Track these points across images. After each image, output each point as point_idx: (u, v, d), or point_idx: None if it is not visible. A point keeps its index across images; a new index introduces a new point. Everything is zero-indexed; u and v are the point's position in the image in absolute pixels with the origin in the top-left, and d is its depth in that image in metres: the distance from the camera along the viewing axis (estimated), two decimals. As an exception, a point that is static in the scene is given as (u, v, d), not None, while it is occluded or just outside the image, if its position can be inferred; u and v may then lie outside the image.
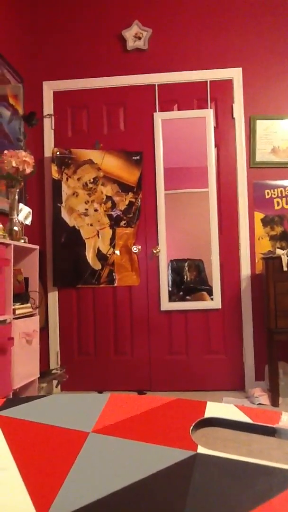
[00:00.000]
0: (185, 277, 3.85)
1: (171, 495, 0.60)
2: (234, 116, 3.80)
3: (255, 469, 0.65)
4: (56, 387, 3.71)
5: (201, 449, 0.69)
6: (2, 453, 0.70)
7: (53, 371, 3.68)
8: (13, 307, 2.74)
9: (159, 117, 3.83)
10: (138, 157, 3.81)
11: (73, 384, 3.81)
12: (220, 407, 0.83)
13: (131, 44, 3.86)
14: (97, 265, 3.79)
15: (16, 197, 2.98)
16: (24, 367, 2.91)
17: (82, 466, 0.65)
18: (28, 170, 2.99)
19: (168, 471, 0.64)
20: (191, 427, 0.76)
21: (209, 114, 3.78)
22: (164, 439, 0.72)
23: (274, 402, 3.30)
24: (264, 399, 3.36)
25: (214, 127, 3.81)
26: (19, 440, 0.74)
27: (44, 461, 0.66)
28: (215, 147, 3.81)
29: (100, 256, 3.79)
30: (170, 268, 3.85)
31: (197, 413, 0.81)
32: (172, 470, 0.64)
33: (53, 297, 3.88)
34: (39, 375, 3.21)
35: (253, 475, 0.64)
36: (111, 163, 3.81)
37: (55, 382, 3.61)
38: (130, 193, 3.80)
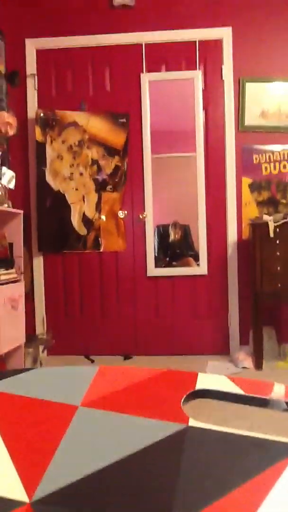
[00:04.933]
0: (170, 236, 3.82)
1: (163, 469, 0.59)
2: (223, 78, 3.70)
3: (247, 442, 0.64)
4: (43, 352, 3.72)
5: (192, 422, 0.68)
6: (-12, 427, 0.68)
7: (40, 336, 3.68)
8: (-2, 273, 2.70)
9: (146, 77, 3.72)
10: (124, 120, 3.72)
11: (59, 349, 3.82)
12: (212, 378, 0.82)
13: (117, -1, 3.69)
14: (82, 230, 3.74)
15: (-1, 160, 2.90)
16: (10, 332, 2.89)
17: (71, 440, 0.64)
18: (11, 132, 2.90)
19: (159, 445, 0.63)
20: (183, 399, 0.74)
21: (197, 75, 3.68)
22: (155, 412, 0.70)
23: (258, 366, 3.35)
24: (248, 362, 3.41)
25: (203, 89, 3.71)
26: (5, 415, 0.72)
27: (32, 436, 0.65)
28: (203, 109, 3.72)
29: (86, 221, 3.74)
30: (156, 233, 3.82)
31: (188, 385, 0.79)
32: (163, 443, 0.63)
33: (39, 262, 3.84)
34: (25, 340, 3.20)
35: (245, 448, 0.63)
36: (97, 126, 3.72)
37: (41, 347, 3.62)
38: (116, 156, 3.72)
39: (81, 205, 3.74)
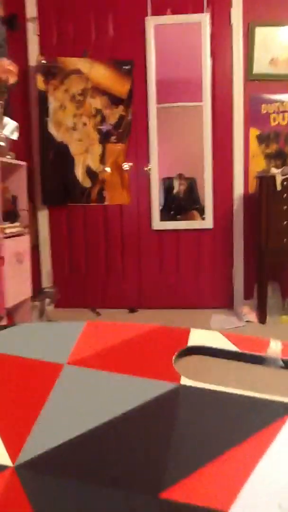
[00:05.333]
0: (175, 188, 3.75)
1: (156, 430, 0.57)
2: (231, 23, 3.52)
3: (242, 401, 0.62)
4: (49, 305, 3.74)
5: (184, 380, 0.66)
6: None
7: (46, 290, 3.69)
8: (2, 225, 2.67)
9: (151, 22, 3.54)
10: (128, 67, 3.57)
11: (66, 302, 3.83)
12: (205, 335, 0.79)
13: None
14: (86, 183, 3.68)
15: (1, 109, 2.81)
16: (16, 286, 2.90)
17: (57, 401, 0.62)
18: (12, 80, 2.80)
19: (150, 405, 0.61)
20: (174, 357, 0.72)
21: (205, 19, 3.50)
22: (146, 370, 0.68)
23: (262, 320, 3.35)
24: (252, 317, 3.41)
25: (210, 35, 3.54)
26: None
27: (15, 397, 0.63)
28: (210, 56, 3.56)
29: (90, 173, 3.67)
30: (161, 186, 3.75)
31: (181, 342, 0.77)
32: (155, 403, 0.61)
33: (43, 215, 3.80)
34: (31, 294, 3.21)
35: (240, 407, 0.61)
36: (100, 73, 3.58)
37: (48, 300, 3.64)
38: (120, 106, 3.60)
39: (85, 156, 3.66)
